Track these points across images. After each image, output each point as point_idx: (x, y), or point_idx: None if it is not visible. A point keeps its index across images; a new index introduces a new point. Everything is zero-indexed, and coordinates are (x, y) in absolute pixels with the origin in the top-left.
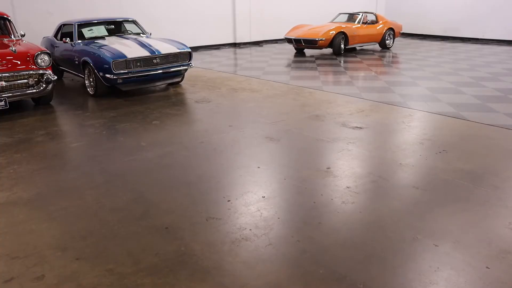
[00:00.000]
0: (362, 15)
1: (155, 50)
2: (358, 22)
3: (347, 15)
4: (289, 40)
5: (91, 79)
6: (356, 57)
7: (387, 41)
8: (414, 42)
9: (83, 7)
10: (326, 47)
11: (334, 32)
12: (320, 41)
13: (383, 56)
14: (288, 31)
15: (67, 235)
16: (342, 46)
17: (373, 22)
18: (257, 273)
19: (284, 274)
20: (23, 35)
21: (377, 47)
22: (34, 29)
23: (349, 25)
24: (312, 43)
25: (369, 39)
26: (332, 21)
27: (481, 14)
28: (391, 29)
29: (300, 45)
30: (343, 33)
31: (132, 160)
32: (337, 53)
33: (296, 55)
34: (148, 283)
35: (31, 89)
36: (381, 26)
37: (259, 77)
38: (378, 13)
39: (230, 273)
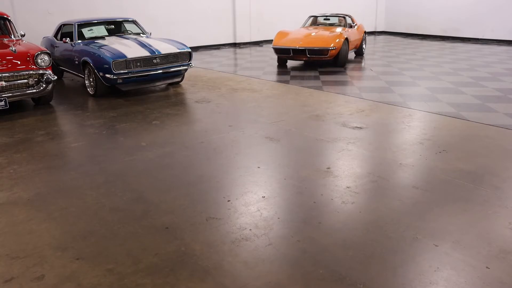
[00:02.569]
0: (345, 18)
1: (155, 50)
2: (345, 26)
3: (315, 17)
4: (281, 50)
5: (91, 79)
6: (356, 57)
7: (363, 46)
8: (414, 42)
9: (83, 7)
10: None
11: (341, 39)
12: (332, 51)
13: (382, 56)
14: (277, 40)
15: (67, 235)
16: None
17: (352, 26)
18: (257, 273)
19: (284, 274)
20: (23, 35)
21: (351, 55)
22: (34, 29)
23: (342, 30)
24: (320, 54)
25: (355, 45)
26: (304, 26)
27: (481, 14)
28: (365, 32)
29: (302, 56)
30: (346, 39)
31: (132, 160)
32: (342, 64)
33: (280, 63)
34: (148, 283)
35: (31, 89)
36: (359, 30)
37: (259, 77)
38: (379, 13)
39: (230, 273)
